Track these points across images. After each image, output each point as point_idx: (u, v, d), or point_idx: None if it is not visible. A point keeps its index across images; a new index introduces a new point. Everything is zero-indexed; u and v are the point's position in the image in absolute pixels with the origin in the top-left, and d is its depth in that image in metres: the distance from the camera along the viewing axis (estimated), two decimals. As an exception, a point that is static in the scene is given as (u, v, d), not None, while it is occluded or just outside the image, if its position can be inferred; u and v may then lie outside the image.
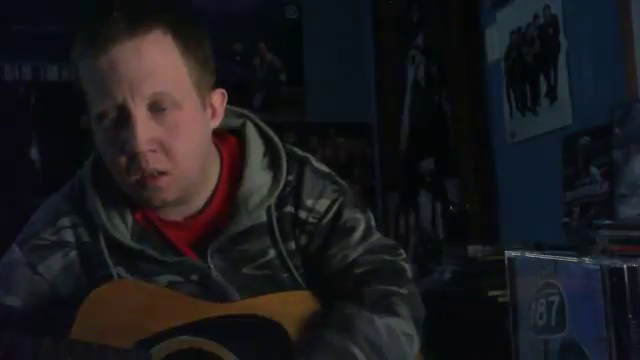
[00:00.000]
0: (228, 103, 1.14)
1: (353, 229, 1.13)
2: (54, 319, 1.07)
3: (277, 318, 1.05)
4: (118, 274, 1.09)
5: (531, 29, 2.31)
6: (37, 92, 3.12)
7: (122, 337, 0.98)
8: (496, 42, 2.51)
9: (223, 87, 1.13)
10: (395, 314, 1.05)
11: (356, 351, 0.99)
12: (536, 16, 2.27)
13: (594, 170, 1.95)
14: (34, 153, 3.11)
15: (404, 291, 1.09)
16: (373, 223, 1.17)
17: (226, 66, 3.25)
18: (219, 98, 1.11)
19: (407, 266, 1.16)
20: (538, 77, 2.28)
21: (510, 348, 0.99)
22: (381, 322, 1.03)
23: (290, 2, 3.47)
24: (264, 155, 1.15)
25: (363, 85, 3.48)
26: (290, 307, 1.07)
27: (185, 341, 1.00)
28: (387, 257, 1.13)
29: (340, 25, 3.48)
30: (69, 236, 1.12)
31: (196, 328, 1.01)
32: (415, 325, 1.08)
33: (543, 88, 2.26)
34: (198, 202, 1.11)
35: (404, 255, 1.17)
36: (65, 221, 1.12)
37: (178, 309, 1.04)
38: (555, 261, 0.91)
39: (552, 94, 2.21)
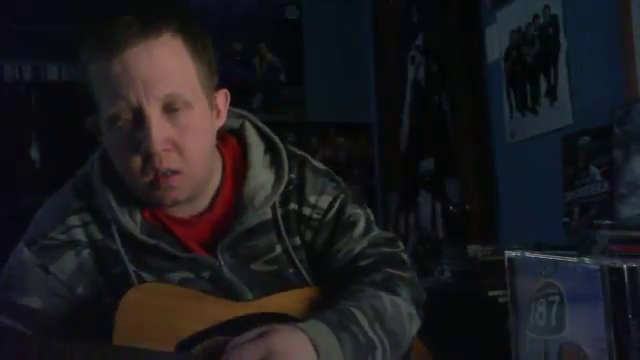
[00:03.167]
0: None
1: (355, 224, 1.17)
2: (75, 322, 1.07)
3: (303, 317, 1.06)
4: (134, 271, 1.10)
5: (531, 29, 2.31)
6: (37, 92, 3.12)
7: (162, 340, 0.98)
8: (496, 42, 2.51)
9: (223, 87, 1.14)
10: (397, 294, 1.09)
11: (358, 314, 1.01)
12: (536, 16, 2.27)
13: (594, 170, 1.95)
14: (34, 153, 3.11)
15: (406, 275, 1.14)
16: (372, 218, 1.21)
17: (226, 66, 3.25)
18: (222, 98, 1.13)
19: (406, 256, 1.20)
20: (538, 77, 2.28)
21: (510, 348, 0.99)
22: (387, 297, 1.07)
23: (290, 2, 3.47)
24: (265, 154, 1.17)
25: (363, 85, 3.48)
26: (314, 304, 1.10)
27: (222, 341, 0.99)
28: (388, 249, 1.17)
29: (340, 25, 3.48)
30: (80, 235, 1.11)
31: (229, 328, 1.02)
32: (416, 306, 1.12)
33: (543, 88, 2.26)
34: (203, 201, 1.13)
35: (402, 247, 1.22)
36: (74, 219, 1.12)
37: (209, 310, 1.04)
38: (555, 261, 0.91)
39: (552, 94, 2.21)
